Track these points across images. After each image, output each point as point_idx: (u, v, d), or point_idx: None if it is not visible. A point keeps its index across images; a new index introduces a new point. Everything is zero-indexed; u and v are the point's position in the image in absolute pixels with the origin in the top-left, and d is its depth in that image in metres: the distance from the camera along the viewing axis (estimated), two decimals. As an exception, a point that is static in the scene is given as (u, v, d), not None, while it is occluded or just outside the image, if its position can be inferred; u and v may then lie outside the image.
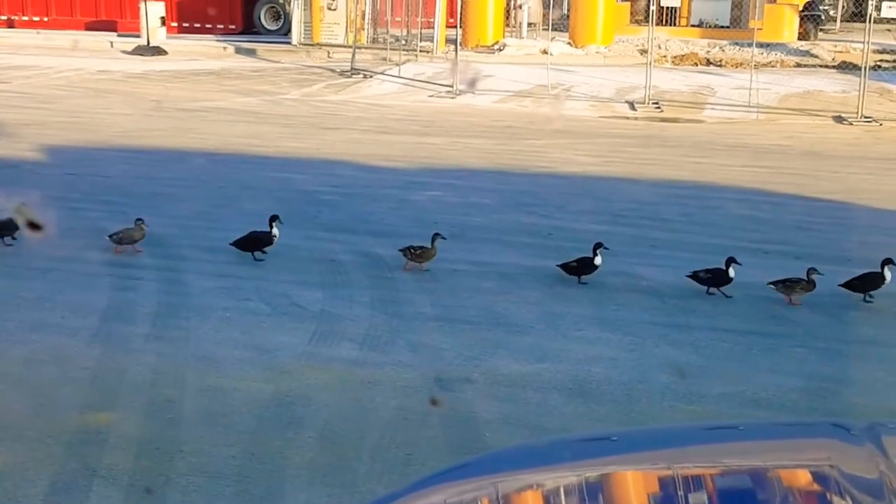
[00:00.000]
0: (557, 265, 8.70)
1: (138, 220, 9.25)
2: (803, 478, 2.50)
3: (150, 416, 6.08)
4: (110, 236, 9.24)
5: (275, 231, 9.06)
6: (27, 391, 6.42)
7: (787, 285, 8.25)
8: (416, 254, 8.85)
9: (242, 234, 9.14)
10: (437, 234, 8.95)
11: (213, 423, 5.97)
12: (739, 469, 2.55)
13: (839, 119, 18.42)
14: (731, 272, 8.36)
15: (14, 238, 9.34)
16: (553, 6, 25.83)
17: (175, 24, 31.15)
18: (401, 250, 8.95)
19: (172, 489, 5.26)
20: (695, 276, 8.48)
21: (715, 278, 8.42)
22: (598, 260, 8.60)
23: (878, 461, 2.33)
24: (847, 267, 9.13)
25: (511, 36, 27.88)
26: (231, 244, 9.10)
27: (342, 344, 7.28)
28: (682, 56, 25.80)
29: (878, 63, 23.46)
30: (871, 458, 2.35)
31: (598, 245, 8.66)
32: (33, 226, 8.94)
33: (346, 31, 27.55)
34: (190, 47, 29.04)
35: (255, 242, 9.10)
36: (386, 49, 25.60)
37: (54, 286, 8.47)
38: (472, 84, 21.28)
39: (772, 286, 8.28)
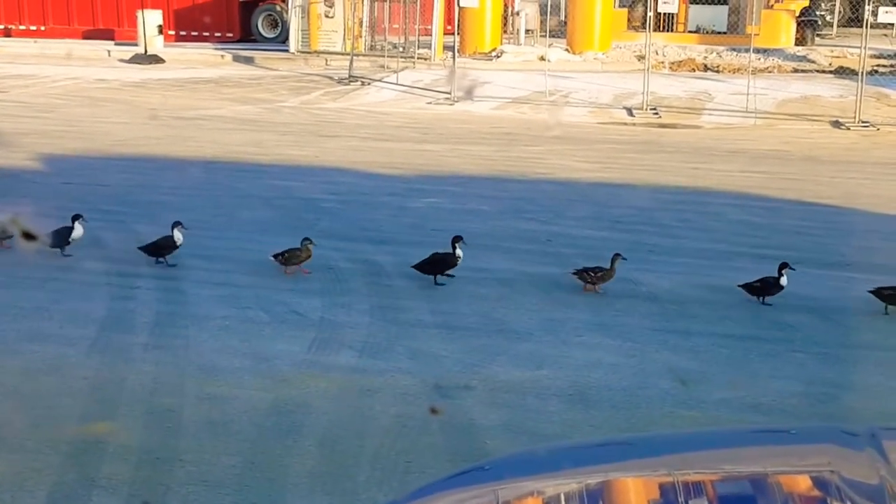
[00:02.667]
0: (739, 285, 8.31)
1: (305, 239, 8.90)
2: (804, 483, 2.49)
3: (150, 426, 6.08)
4: (275, 256, 8.88)
5: (458, 252, 8.67)
6: (25, 401, 6.41)
7: None
8: (596, 276, 8.42)
9: (425, 258, 8.73)
10: (617, 255, 8.47)
11: (212, 432, 5.97)
12: (740, 475, 2.55)
13: (837, 124, 18.44)
14: None
15: (164, 260, 9.18)
16: (550, 13, 25.86)
17: (172, 33, 31.14)
18: (575, 273, 8.52)
19: (172, 499, 5.25)
20: (878, 292, 8.05)
21: None
22: (783, 280, 8.22)
23: (879, 466, 2.32)
24: (846, 272, 9.15)
25: (509, 43, 27.91)
26: (413, 267, 8.72)
27: (341, 351, 7.28)
28: (680, 62, 25.84)
29: (875, 68, 23.48)
30: (872, 462, 2.35)
31: (784, 265, 8.28)
32: (28, 236, 8.91)
33: (344, 39, 27.55)
34: (187, 55, 29.04)
35: (438, 264, 8.69)
36: (384, 56, 25.61)
37: (53, 296, 8.46)
38: (469, 92, 21.31)
39: None
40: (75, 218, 9.29)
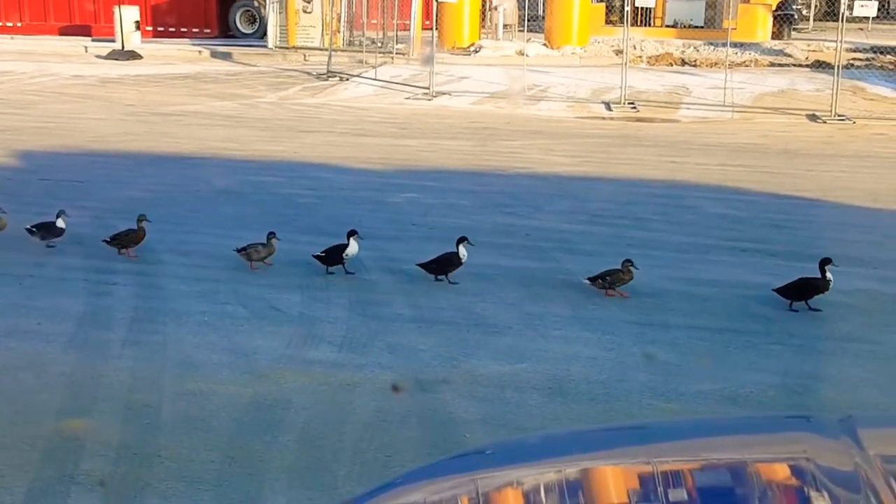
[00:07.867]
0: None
1: (626, 261, 8.32)
2: (780, 471, 2.51)
3: (128, 422, 6.05)
4: (591, 280, 8.31)
5: (828, 276, 8.02)
6: (3, 398, 6.37)
7: None
8: None
9: (791, 280, 8.09)
10: None
11: (191, 428, 5.94)
12: (718, 463, 2.56)
13: (813, 117, 18.55)
14: None
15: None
16: (528, 8, 25.87)
17: (150, 29, 31.00)
18: None
19: (151, 494, 5.23)
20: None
21: None
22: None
23: (854, 454, 2.34)
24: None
25: (487, 37, 27.92)
26: (775, 290, 8.10)
27: (320, 347, 7.27)
28: (658, 56, 25.91)
29: (851, 62, 23.62)
30: (847, 450, 2.36)
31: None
32: None
33: (322, 34, 27.50)
34: (165, 51, 28.90)
35: (806, 288, 8.02)
36: (362, 51, 25.59)
37: (29, 292, 8.41)
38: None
39: None
40: (351, 234, 8.89)
